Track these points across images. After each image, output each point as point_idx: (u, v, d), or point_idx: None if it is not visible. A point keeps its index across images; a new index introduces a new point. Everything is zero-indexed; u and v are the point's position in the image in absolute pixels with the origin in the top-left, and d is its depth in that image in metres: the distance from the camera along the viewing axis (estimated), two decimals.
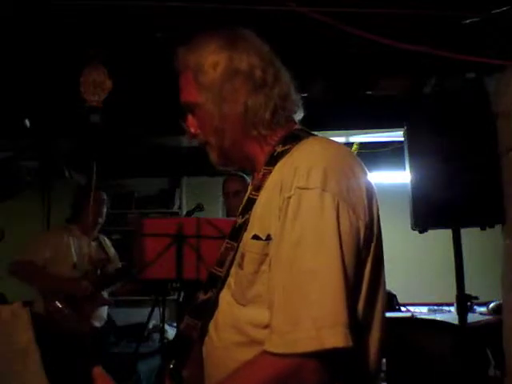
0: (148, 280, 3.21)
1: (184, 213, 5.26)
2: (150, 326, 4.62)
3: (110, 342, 4.63)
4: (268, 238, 1.01)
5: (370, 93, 3.36)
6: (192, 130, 1.19)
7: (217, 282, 1.13)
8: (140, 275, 3.01)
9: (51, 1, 2.35)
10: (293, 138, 1.11)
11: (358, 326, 0.96)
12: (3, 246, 2.53)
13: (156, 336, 4.75)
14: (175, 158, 5.07)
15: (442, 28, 2.58)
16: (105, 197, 3.50)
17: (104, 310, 3.44)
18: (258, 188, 1.10)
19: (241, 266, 1.05)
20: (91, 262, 3.33)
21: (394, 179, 4.76)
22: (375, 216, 1.04)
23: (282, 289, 0.94)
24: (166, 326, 3.54)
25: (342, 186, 0.98)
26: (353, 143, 4.54)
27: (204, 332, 1.13)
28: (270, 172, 1.09)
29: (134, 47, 2.80)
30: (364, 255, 1.00)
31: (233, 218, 1.21)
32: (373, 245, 1.02)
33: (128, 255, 3.72)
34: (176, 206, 5.77)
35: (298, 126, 1.18)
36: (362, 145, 4.57)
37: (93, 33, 2.66)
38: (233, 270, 1.10)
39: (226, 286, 1.11)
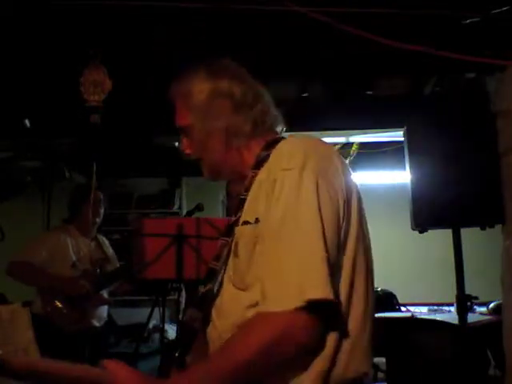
0: (148, 280, 3.20)
1: (184, 213, 5.26)
2: (150, 326, 4.62)
3: (110, 342, 4.64)
4: (257, 220, 1.12)
5: (370, 93, 3.36)
6: (187, 151, 1.35)
7: (215, 275, 1.24)
8: (140, 275, 3.01)
9: (51, 1, 2.35)
10: (273, 143, 1.24)
11: (342, 296, 1.07)
12: (3, 245, 2.53)
13: (156, 336, 4.75)
14: (175, 158, 5.06)
15: (441, 28, 2.58)
16: (102, 197, 3.50)
17: (104, 310, 3.44)
18: (247, 189, 1.23)
19: (236, 254, 1.16)
20: (90, 262, 3.33)
21: (394, 179, 4.77)
22: (352, 192, 1.13)
23: (269, 259, 1.05)
24: (166, 326, 3.53)
25: (321, 166, 1.10)
26: (353, 143, 4.54)
27: (207, 321, 1.21)
28: (257, 174, 1.22)
29: (134, 47, 2.80)
30: (345, 228, 1.10)
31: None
32: (354, 220, 1.12)
33: (128, 255, 3.72)
34: (176, 206, 5.77)
35: (279, 135, 1.32)
36: (362, 145, 4.57)
37: (93, 33, 2.66)
38: (230, 261, 1.20)
39: (226, 278, 1.20)
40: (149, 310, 3.35)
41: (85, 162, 3.57)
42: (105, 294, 3.41)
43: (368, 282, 1.15)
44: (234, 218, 1.25)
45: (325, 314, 1.00)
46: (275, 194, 1.08)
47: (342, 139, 4.37)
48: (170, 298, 3.83)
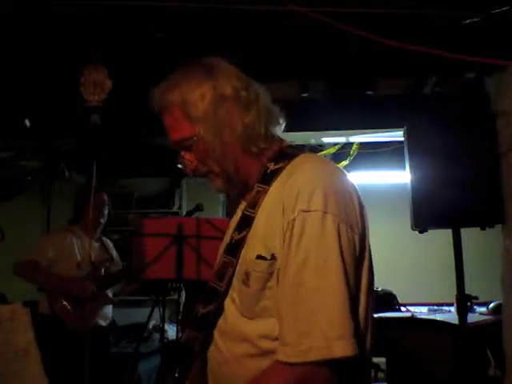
0: (148, 280, 3.20)
1: (184, 213, 5.26)
2: (150, 325, 4.61)
3: (110, 342, 4.64)
4: (273, 257, 1.08)
5: (370, 93, 3.36)
6: (192, 165, 1.24)
7: (217, 296, 1.19)
8: (140, 275, 3.01)
9: (51, 0, 2.35)
10: (284, 156, 1.18)
11: (360, 332, 1.06)
12: (3, 245, 2.53)
13: (156, 336, 4.75)
14: (175, 158, 5.06)
15: (442, 28, 2.58)
16: (106, 198, 3.50)
17: (109, 309, 3.46)
18: (253, 205, 1.16)
19: (246, 284, 1.12)
20: (94, 262, 3.34)
21: (394, 179, 4.77)
22: (366, 224, 1.13)
23: (291, 305, 1.02)
24: (166, 326, 3.53)
25: (341, 207, 1.06)
26: (353, 143, 4.53)
27: (207, 342, 1.19)
28: (265, 191, 1.16)
29: (134, 47, 2.80)
30: (360, 265, 1.09)
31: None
32: (366, 253, 1.11)
33: (128, 255, 3.72)
34: (176, 206, 5.77)
35: (285, 143, 1.24)
36: (362, 145, 4.56)
37: (93, 33, 2.66)
38: (236, 285, 1.16)
39: (229, 299, 1.17)
40: (149, 310, 3.35)
41: (85, 162, 3.57)
42: (109, 293, 3.42)
43: (373, 308, 1.14)
44: (237, 235, 1.17)
45: (346, 366, 0.99)
46: (295, 237, 1.04)
47: (342, 139, 4.37)
48: (170, 297, 3.83)
